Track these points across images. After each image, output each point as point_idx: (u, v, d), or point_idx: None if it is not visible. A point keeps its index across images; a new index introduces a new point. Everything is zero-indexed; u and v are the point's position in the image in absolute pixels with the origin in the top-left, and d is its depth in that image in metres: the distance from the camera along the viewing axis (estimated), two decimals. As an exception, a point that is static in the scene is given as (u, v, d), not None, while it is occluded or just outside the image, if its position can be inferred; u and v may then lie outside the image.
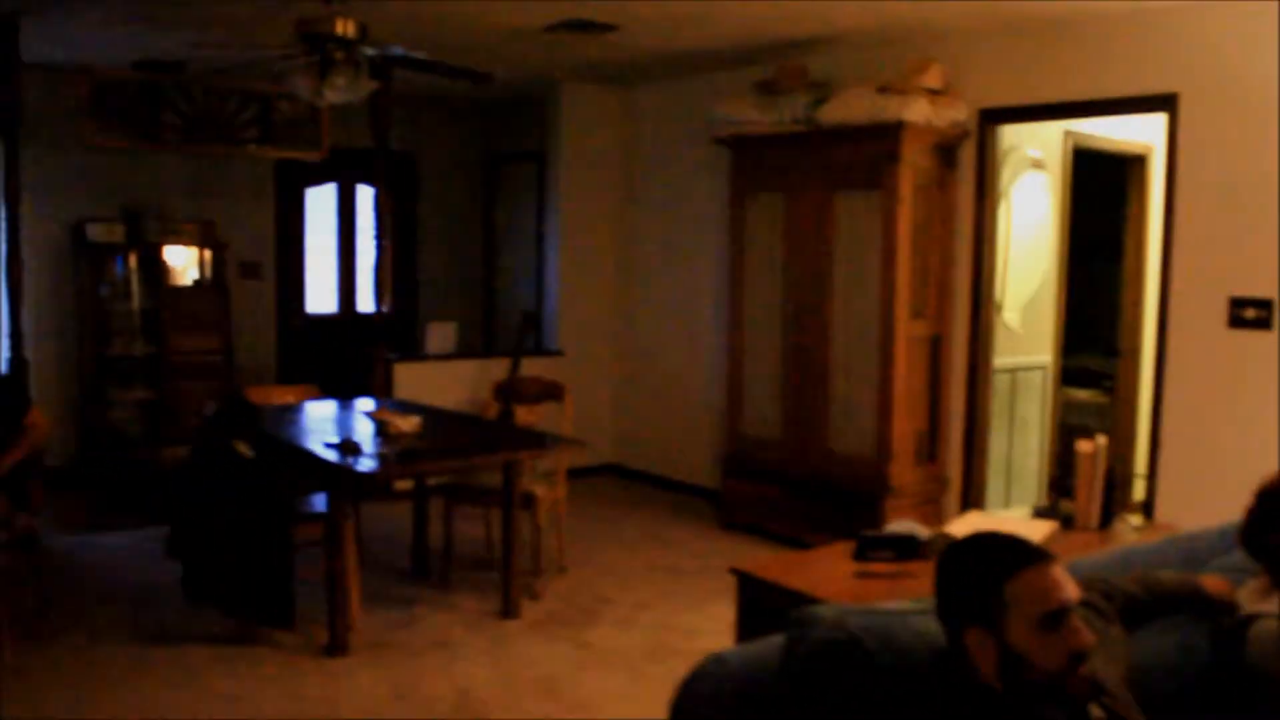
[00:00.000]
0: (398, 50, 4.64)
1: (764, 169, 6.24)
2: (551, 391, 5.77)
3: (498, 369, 7.20)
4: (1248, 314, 4.94)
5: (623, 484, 7.77)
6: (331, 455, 4.34)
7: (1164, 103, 5.13)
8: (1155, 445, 5.23)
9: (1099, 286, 7.08)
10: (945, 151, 5.83)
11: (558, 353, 7.72)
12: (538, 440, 5.02)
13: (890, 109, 5.48)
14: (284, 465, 4.49)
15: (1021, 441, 6.39)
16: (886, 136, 5.54)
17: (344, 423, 5.24)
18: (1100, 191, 6.69)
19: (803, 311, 6.06)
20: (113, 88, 6.45)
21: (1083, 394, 7.30)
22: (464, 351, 7.80)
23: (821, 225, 5.93)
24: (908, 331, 5.70)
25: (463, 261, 9.38)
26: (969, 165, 5.85)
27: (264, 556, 4.29)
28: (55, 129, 6.92)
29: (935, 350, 5.95)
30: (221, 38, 5.23)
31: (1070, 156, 6.55)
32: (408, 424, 4.75)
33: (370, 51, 4.62)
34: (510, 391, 5.87)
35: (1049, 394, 6.60)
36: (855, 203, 5.79)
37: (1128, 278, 7.23)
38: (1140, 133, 6.89)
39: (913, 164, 5.60)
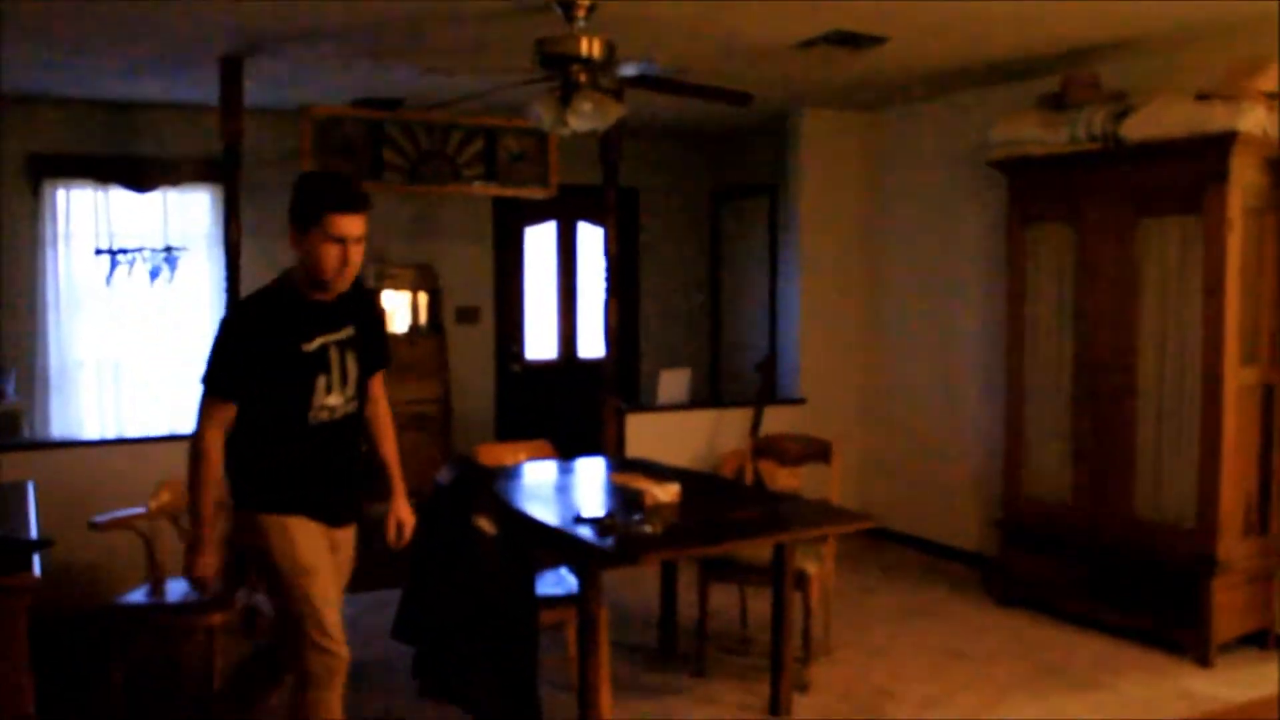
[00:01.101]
0: (653, 69, 4.09)
1: (1049, 195, 5.44)
2: (816, 450, 5.10)
3: (735, 420, 6.60)
4: None
5: (873, 546, 6.99)
6: (587, 534, 3.79)
7: None
8: None
9: None
10: (1277, 168, 4.93)
11: (799, 400, 7.05)
12: (824, 515, 4.36)
13: (1217, 118, 4.63)
14: (528, 543, 3.96)
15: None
16: (1211, 151, 4.69)
17: (588, 489, 4.71)
18: None
19: (1100, 357, 5.22)
20: (332, 126, 6.19)
21: None
22: (697, 401, 7.23)
23: (1124, 257, 5.10)
24: (1237, 380, 4.81)
25: (687, 303, 8.83)
26: (1306, 183, 4.93)
27: (510, 652, 3.75)
28: (276, 172, 6.71)
29: (1269, 401, 5.02)
30: (451, 66, 4.82)
31: None
32: (666, 493, 4.16)
33: (627, 72, 4.09)
34: (767, 449, 5.24)
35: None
36: (1168, 230, 4.94)
37: None
38: None
39: (1241, 183, 4.73)
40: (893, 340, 7.11)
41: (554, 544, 3.97)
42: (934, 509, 6.81)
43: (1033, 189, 5.52)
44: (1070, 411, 5.38)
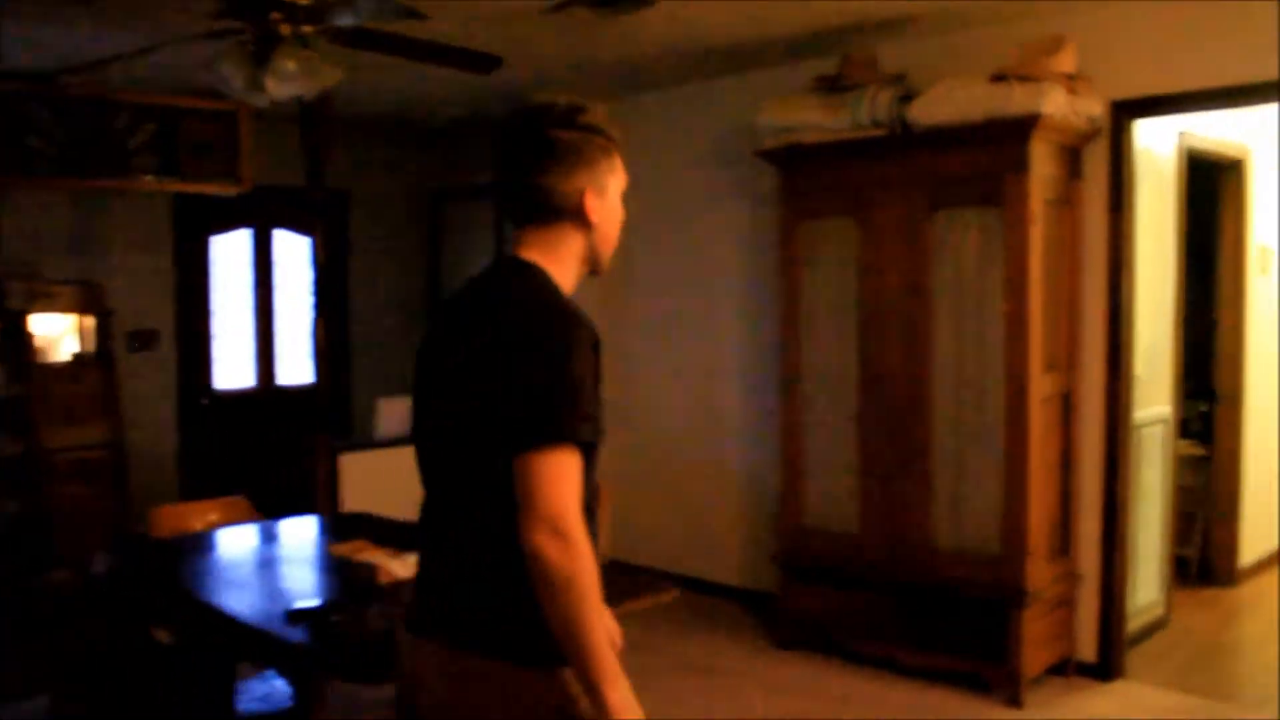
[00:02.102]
0: (387, 14, 3.12)
1: (829, 188, 4.84)
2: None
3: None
4: None
5: (624, 582, 6.18)
6: (299, 636, 2.77)
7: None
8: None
9: (1190, 315, 5.84)
10: (1072, 157, 4.53)
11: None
12: (623, 589, 3.48)
13: (1017, 101, 4.16)
14: (224, 649, 2.90)
15: (1143, 510, 5.04)
16: (1011, 136, 4.21)
17: (300, 564, 3.66)
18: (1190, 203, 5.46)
19: (889, 368, 4.66)
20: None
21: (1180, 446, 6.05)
22: (425, 432, 6.23)
23: (914, 256, 4.55)
24: (1040, 389, 4.35)
25: (406, 320, 7.77)
26: (1099, 173, 4.55)
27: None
28: None
29: (1067, 411, 4.61)
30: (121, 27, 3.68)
31: (1185, 162, 5.33)
32: (404, 566, 3.21)
33: (341, 22, 3.12)
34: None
35: (1168, 452, 5.31)
36: (964, 225, 4.43)
37: (1224, 303, 6.05)
38: (1232, 131, 5.74)
39: (1041, 173, 4.28)
40: (644, 352, 6.35)
41: (259, 648, 2.93)
42: (701, 542, 6.10)
43: (810, 181, 4.90)
44: (857, 429, 4.79)
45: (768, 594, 5.40)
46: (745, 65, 5.49)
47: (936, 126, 4.39)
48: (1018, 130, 4.18)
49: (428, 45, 3.47)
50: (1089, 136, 4.49)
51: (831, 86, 4.80)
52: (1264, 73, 4.06)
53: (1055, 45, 4.24)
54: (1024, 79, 4.17)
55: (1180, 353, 5.36)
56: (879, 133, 4.58)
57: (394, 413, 5.75)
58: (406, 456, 1.94)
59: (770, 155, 4.99)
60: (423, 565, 1.97)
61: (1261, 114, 5.86)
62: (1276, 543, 6.36)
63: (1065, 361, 4.56)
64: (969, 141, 4.33)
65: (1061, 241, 4.50)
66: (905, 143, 4.52)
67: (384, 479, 5.38)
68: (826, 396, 4.89)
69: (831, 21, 4.67)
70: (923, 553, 4.60)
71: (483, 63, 3.58)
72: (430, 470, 1.92)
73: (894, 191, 4.59)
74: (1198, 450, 6.17)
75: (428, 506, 1.94)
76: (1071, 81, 4.26)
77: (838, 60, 4.88)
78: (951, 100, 4.33)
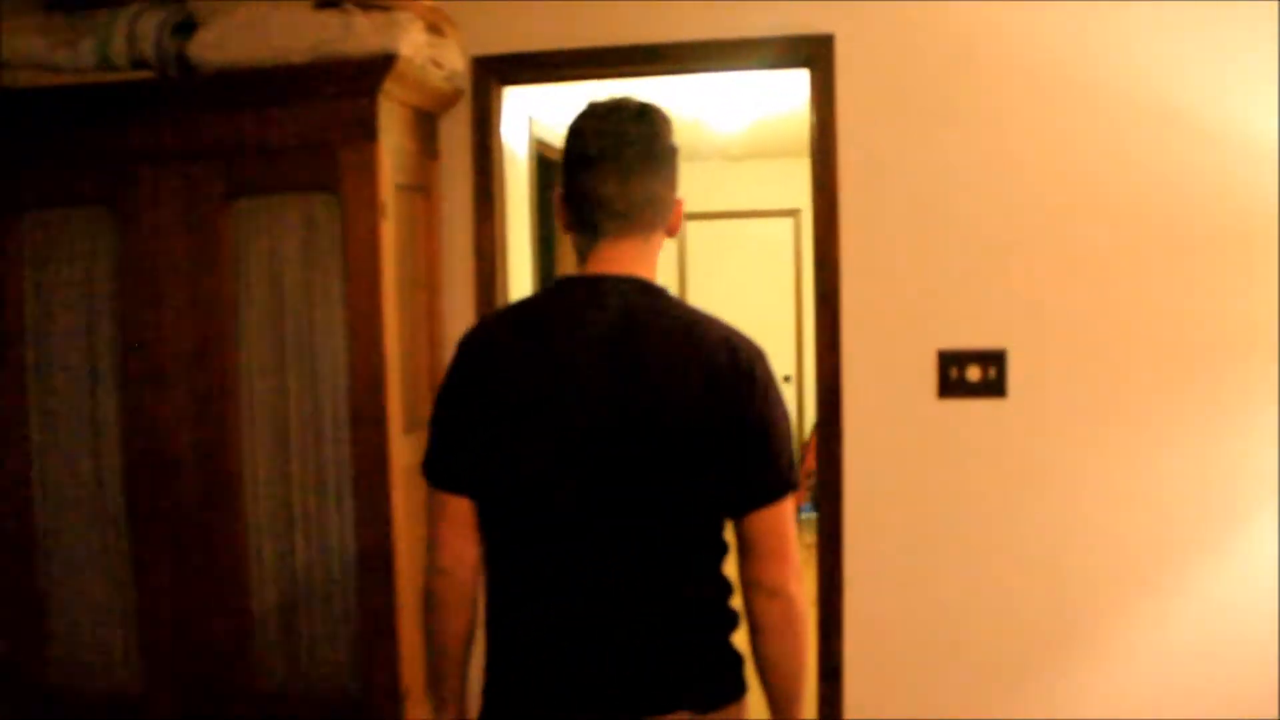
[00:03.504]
0: None
1: (63, 159, 3.08)
2: None
3: None
4: (970, 375, 3.18)
5: None
6: None
7: (811, 50, 3.18)
8: (834, 605, 3.24)
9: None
10: (427, 127, 3.29)
11: None
12: None
13: (361, 36, 2.81)
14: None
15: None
16: (352, 89, 2.85)
17: None
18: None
19: (175, 439, 3.04)
20: None
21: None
22: None
23: (206, 265, 2.99)
24: (401, 456, 3.04)
25: None
26: (460, 154, 3.37)
27: None
28: None
29: (435, 481, 3.36)
30: None
31: (535, 156, 4.39)
32: None
33: None
34: None
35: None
36: (282, 218, 2.97)
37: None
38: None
39: (393, 144, 2.98)
40: None
41: None
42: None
43: (33, 149, 3.10)
44: (127, 537, 3.11)
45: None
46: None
47: (235, 69, 2.89)
48: (363, 78, 2.83)
49: None
50: (449, 101, 3.29)
51: (65, 6, 3.07)
52: (675, 30, 3.17)
53: (408, -37, 2.97)
54: (370, 6, 2.84)
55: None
56: (144, 76, 2.96)
57: None
58: None
59: (-40, 108, 3.10)
60: (548, 632, 1.70)
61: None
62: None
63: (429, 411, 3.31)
64: (287, 94, 2.89)
65: (416, 246, 3.25)
66: (186, 93, 2.95)
67: None
68: (73, 487, 3.13)
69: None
70: (244, 707, 3.06)
71: None
72: (562, 523, 1.67)
73: (171, 168, 2.98)
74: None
75: (544, 565, 1.70)
76: (434, 16, 3.02)
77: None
78: (258, 30, 2.86)
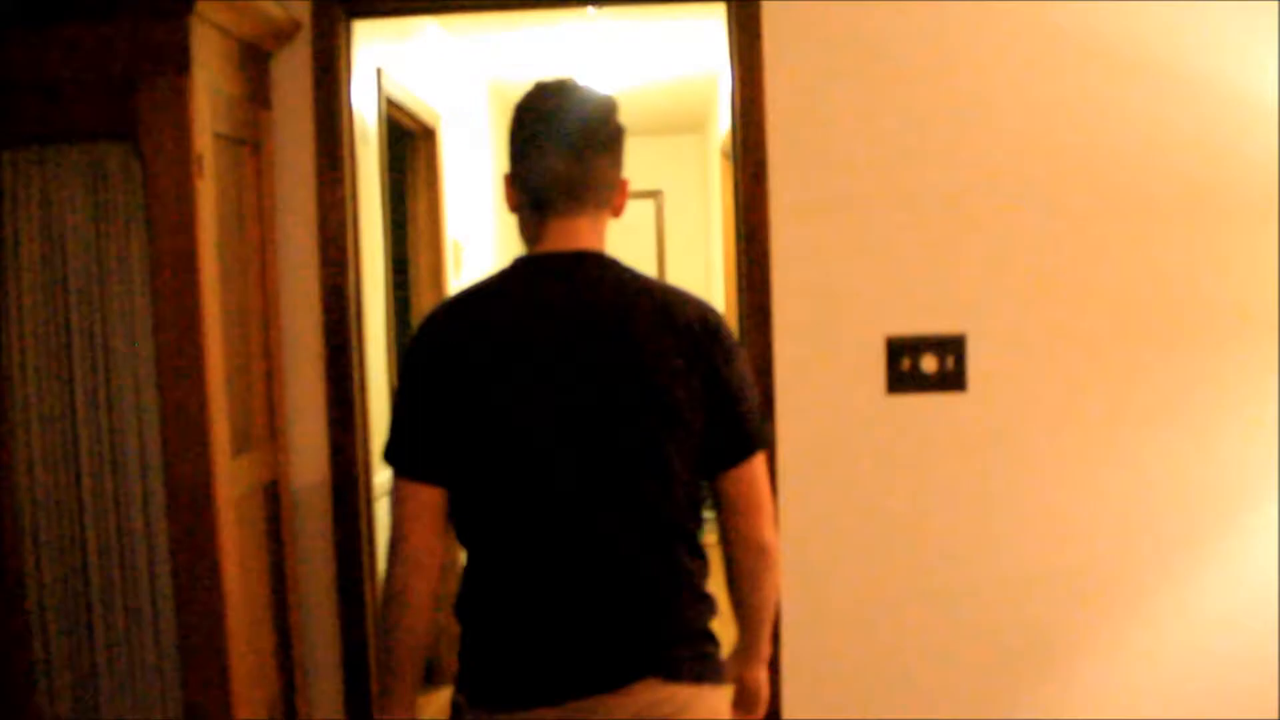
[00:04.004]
0: None
1: None
2: None
3: None
4: (925, 365, 2.70)
5: None
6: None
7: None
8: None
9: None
10: (257, 67, 2.60)
11: None
12: None
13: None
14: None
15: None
16: (153, 5, 2.15)
17: None
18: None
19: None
20: None
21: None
22: None
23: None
24: (231, 485, 2.35)
25: None
26: (300, 103, 2.69)
27: None
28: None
29: (275, 514, 2.67)
30: None
31: (385, 114, 3.72)
32: None
33: None
34: None
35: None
36: (63, 175, 2.25)
37: (418, 314, 4.61)
38: (429, 88, 4.39)
39: (211, 81, 2.29)
40: None
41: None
42: None
43: None
44: None
45: None
46: None
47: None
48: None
49: None
50: (285, 33, 2.61)
51: None
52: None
53: None
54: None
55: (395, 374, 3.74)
56: None
57: None
58: None
59: None
60: (544, 606, 1.69)
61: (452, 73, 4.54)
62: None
63: (267, 431, 2.63)
64: (70, 9, 2.18)
65: (245, 216, 2.56)
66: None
67: None
68: None
69: None
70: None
71: None
72: (551, 498, 1.67)
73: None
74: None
75: (532, 542, 1.68)
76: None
77: None
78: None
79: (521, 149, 1.74)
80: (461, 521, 1.72)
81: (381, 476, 3.14)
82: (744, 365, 1.79)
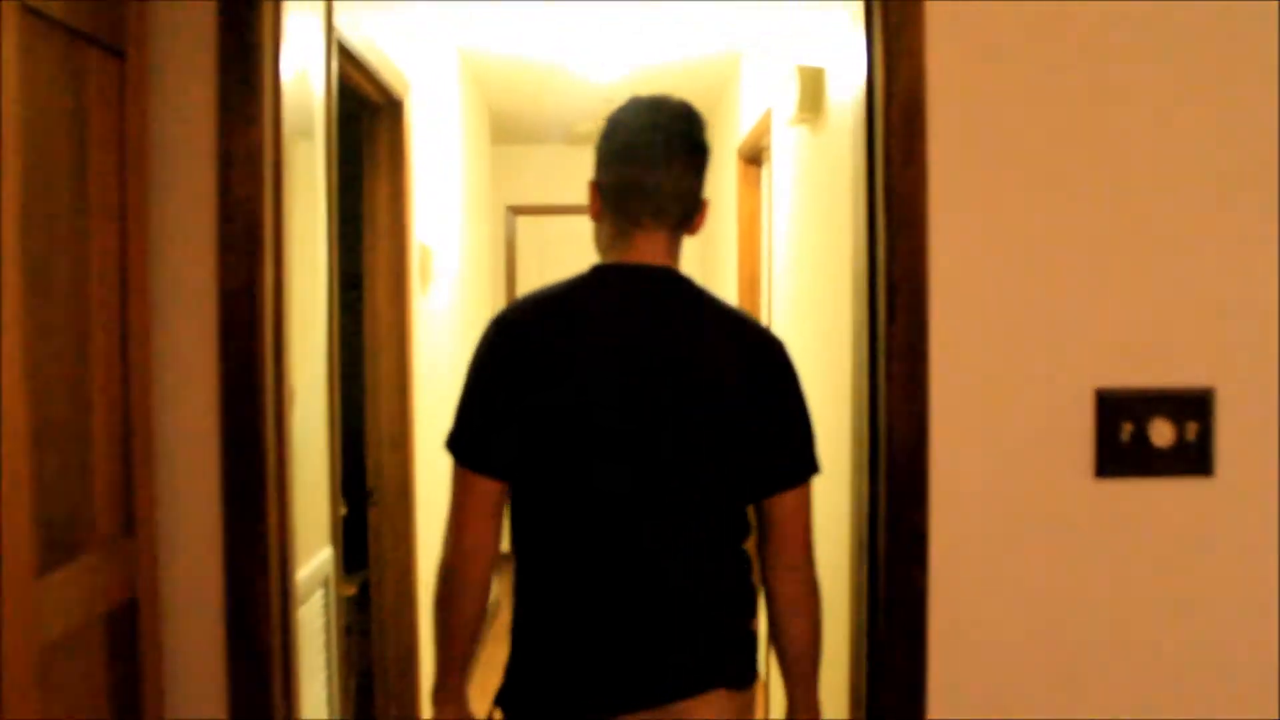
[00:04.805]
0: None
1: None
2: None
3: None
4: (1155, 434, 1.77)
5: None
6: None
7: None
8: None
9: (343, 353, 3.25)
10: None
11: None
12: None
13: None
14: None
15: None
16: None
17: None
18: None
19: None
20: None
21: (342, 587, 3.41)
22: None
23: None
24: (31, 623, 1.35)
25: None
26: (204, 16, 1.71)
27: None
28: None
29: (128, 654, 1.66)
30: None
31: (336, 75, 2.73)
32: None
33: None
34: None
35: (334, 634, 2.64)
36: None
37: (378, 333, 3.61)
38: (396, 47, 3.40)
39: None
40: None
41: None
42: None
43: None
44: None
45: None
46: None
47: None
48: None
49: None
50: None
51: None
52: None
53: None
54: None
55: (338, 426, 2.73)
56: None
57: None
58: None
59: None
60: (590, 612, 1.71)
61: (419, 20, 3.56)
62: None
63: (115, 519, 1.62)
64: None
65: (86, 159, 1.56)
66: None
67: None
68: None
69: None
70: None
71: None
72: (610, 504, 1.70)
73: None
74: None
75: (588, 545, 1.71)
76: None
77: None
78: None
79: (614, 160, 1.76)
80: (520, 522, 1.74)
81: (303, 573, 2.15)
82: (801, 392, 1.77)
